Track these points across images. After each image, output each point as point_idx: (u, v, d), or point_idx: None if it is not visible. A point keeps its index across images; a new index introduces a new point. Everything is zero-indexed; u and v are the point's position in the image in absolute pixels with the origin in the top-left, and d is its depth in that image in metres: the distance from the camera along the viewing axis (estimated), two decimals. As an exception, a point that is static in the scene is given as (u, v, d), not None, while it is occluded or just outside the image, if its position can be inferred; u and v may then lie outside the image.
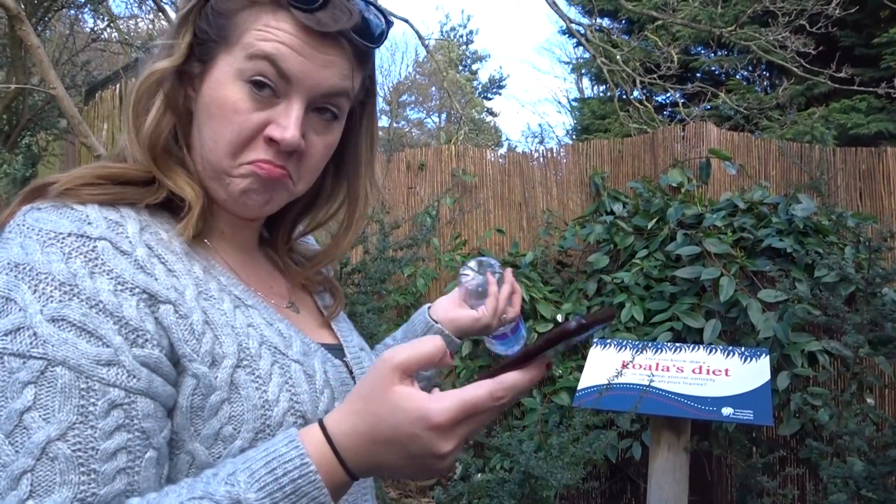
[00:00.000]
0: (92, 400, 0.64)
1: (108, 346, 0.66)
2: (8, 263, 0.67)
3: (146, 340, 0.68)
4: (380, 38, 0.81)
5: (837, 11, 5.60)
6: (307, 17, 0.74)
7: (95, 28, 7.42)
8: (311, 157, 0.80)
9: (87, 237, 0.69)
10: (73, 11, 6.99)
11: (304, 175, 0.81)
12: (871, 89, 5.72)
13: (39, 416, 0.63)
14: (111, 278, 0.68)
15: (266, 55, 0.74)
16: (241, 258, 0.86)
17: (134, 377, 0.67)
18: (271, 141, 0.76)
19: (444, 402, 0.61)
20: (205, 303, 0.74)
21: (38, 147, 6.70)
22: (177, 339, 0.70)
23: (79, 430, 0.63)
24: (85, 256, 0.68)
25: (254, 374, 0.73)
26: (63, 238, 0.68)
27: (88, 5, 6.76)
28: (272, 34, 0.74)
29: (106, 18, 6.95)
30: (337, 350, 0.89)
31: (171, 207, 0.79)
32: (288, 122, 0.75)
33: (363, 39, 0.78)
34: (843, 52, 7.29)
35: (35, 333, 0.64)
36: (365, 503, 0.87)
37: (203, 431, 0.71)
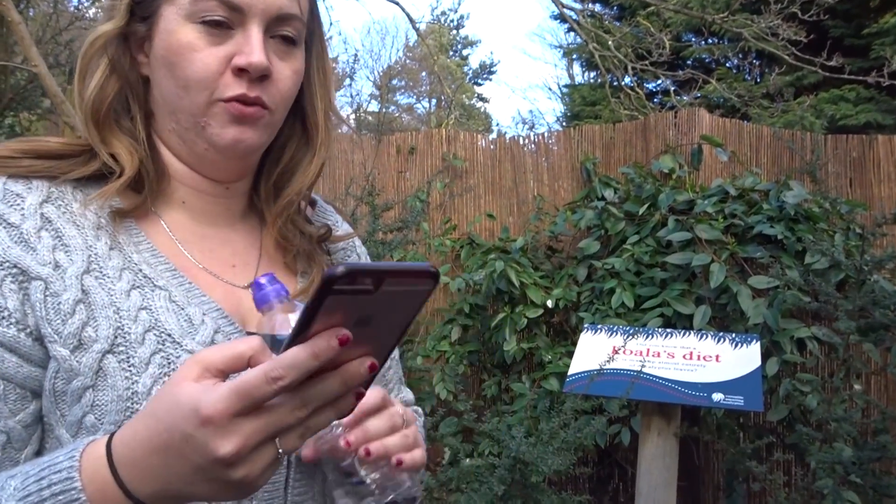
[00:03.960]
0: None
1: None
2: None
3: (2, 318, 0.66)
4: None
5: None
6: None
7: (79, 6, 7.30)
8: (281, 81, 0.78)
9: None
10: (56, -11, 6.85)
11: (279, 101, 0.79)
12: (860, 78, 5.72)
13: None
14: None
15: None
16: (200, 231, 0.82)
17: None
18: (240, 71, 0.75)
19: (216, 392, 0.52)
20: (91, 281, 0.70)
21: (22, 127, 6.58)
22: (41, 318, 0.68)
23: None
24: None
25: (127, 361, 0.68)
26: None
27: (72, -18, 6.64)
28: None
29: (90, -3, 6.84)
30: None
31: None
32: (251, 48, 0.74)
33: None
34: (834, 41, 7.28)
35: None
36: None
37: (68, 418, 0.68)
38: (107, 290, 0.71)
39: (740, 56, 8.54)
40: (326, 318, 0.52)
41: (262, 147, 0.82)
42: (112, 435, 0.57)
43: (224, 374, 0.55)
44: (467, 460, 2.59)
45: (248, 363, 0.55)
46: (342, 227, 0.99)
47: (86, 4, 7.06)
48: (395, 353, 1.05)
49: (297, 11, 0.78)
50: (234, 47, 0.75)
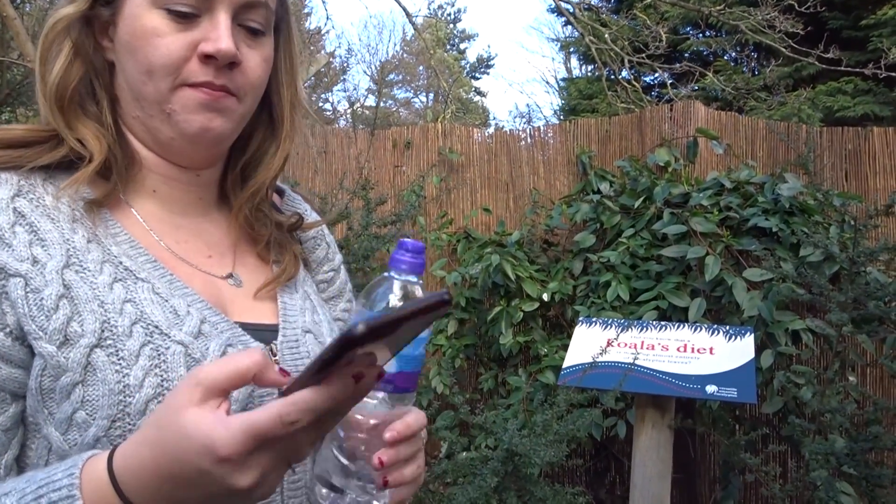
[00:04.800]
0: None
1: None
2: None
3: None
4: None
5: (826, -8, 5.59)
6: None
7: (75, 2, 7.28)
8: (250, 70, 0.77)
9: None
10: (52, -16, 6.85)
11: (248, 90, 0.78)
12: (858, 70, 5.73)
13: None
14: None
15: None
16: (173, 221, 0.81)
17: None
18: (207, 58, 0.73)
19: (230, 431, 0.51)
20: (72, 275, 0.69)
21: (18, 123, 6.57)
22: (23, 315, 0.66)
23: None
24: None
25: (116, 354, 0.67)
26: None
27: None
28: None
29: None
30: (267, 331, 0.81)
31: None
32: (218, 35, 0.73)
33: None
34: (831, 33, 7.27)
35: None
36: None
37: (57, 415, 0.66)
38: (89, 284, 0.69)
39: (738, 49, 8.54)
40: (342, 363, 0.53)
41: (231, 136, 0.81)
42: (111, 456, 0.57)
43: (227, 392, 0.55)
44: (464, 454, 2.60)
45: (252, 379, 0.55)
46: (311, 216, 0.98)
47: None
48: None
49: None
50: (201, 34, 0.73)
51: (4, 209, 0.69)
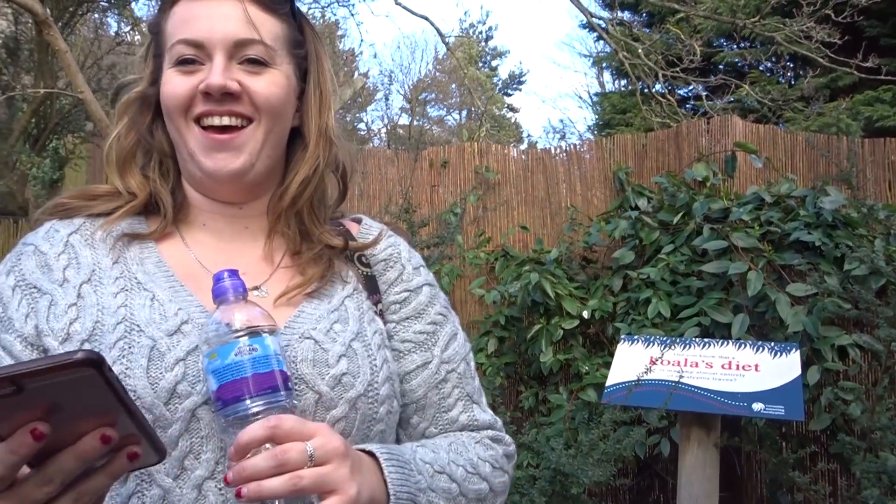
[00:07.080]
0: None
1: None
2: None
3: (10, 328, 0.83)
4: None
5: (863, 0, 5.51)
6: None
7: (119, 31, 7.51)
8: (256, 93, 0.88)
9: (25, 243, 0.89)
10: (97, 15, 7.09)
11: (263, 108, 0.88)
12: (898, 79, 5.63)
13: None
14: (16, 276, 0.86)
15: (177, 40, 0.87)
16: (219, 246, 0.93)
17: None
18: (207, 95, 0.86)
19: None
20: (88, 288, 0.84)
21: (66, 150, 6.79)
22: (41, 319, 0.82)
23: None
24: (15, 258, 0.87)
25: (98, 348, 0.79)
26: (20, 244, 0.89)
27: (113, 9, 6.85)
28: (177, 19, 0.88)
29: (130, 22, 7.03)
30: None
31: (151, 213, 0.93)
32: (211, 73, 0.86)
33: None
34: (869, 41, 7.16)
35: None
36: None
37: None
38: (98, 294, 0.84)
39: (773, 60, 8.45)
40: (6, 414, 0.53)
41: (250, 168, 0.90)
42: None
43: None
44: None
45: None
46: (384, 241, 1.02)
47: (126, 30, 7.26)
48: (460, 368, 0.99)
49: (254, 36, 0.88)
50: (204, 76, 0.87)
51: (59, 241, 0.88)
